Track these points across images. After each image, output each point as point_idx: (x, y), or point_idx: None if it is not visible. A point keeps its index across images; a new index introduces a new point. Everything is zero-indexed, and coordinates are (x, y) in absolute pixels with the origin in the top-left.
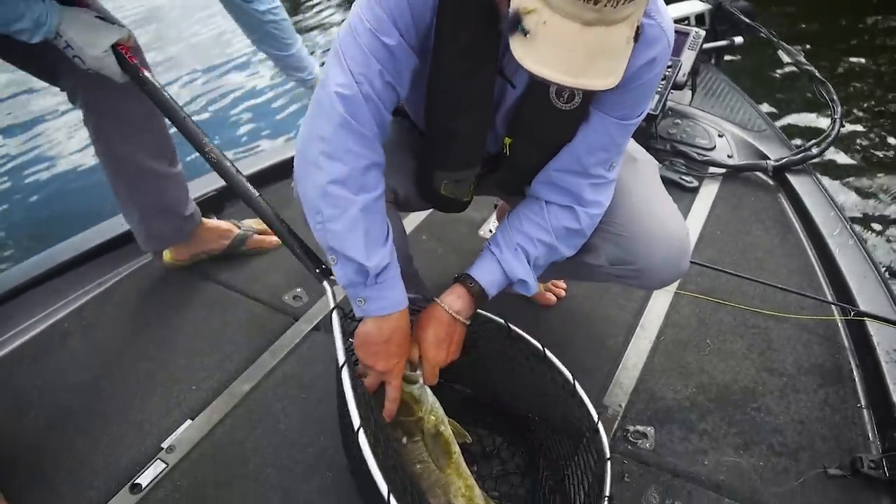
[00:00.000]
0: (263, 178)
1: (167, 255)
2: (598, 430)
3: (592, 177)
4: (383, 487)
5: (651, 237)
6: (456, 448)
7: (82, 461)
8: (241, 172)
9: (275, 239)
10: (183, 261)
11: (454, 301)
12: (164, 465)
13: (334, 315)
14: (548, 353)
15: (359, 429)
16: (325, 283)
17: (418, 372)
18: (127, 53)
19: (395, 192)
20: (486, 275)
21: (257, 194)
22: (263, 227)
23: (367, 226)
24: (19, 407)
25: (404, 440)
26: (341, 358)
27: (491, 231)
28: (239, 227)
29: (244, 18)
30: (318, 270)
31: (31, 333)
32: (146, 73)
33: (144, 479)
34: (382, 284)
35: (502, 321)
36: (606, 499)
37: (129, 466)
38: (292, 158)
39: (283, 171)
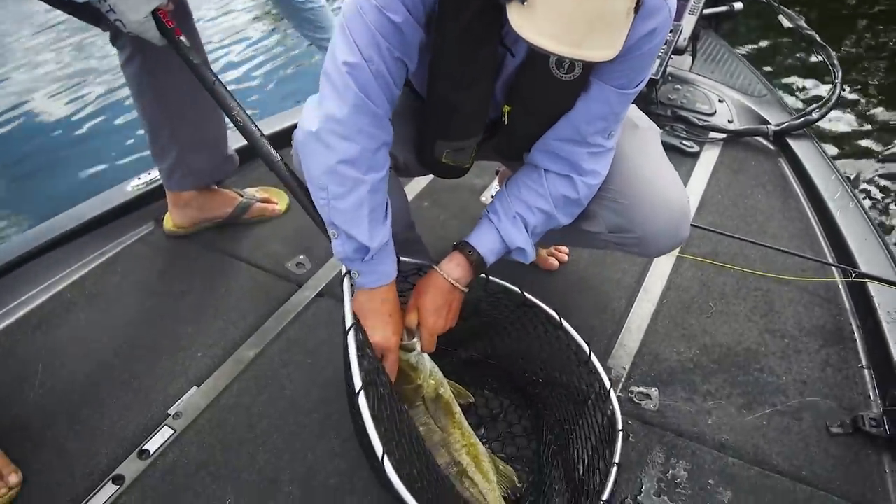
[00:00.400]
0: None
1: (168, 221)
2: (609, 397)
3: (591, 146)
4: (378, 448)
5: (650, 205)
6: (457, 408)
7: (90, 428)
8: (266, 137)
9: (277, 207)
10: (185, 228)
11: (453, 269)
12: (171, 432)
13: (345, 281)
14: (564, 323)
15: (359, 391)
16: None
17: (415, 340)
18: (165, 17)
19: (395, 157)
20: (485, 243)
21: (279, 159)
22: (266, 195)
23: (372, 206)
24: (25, 376)
25: (406, 406)
26: (349, 321)
27: (492, 197)
28: (241, 196)
29: (283, 4)
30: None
31: (35, 304)
32: (182, 38)
33: (152, 445)
34: (378, 259)
35: (517, 289)
36: (615, 465)
37: (137, 433)
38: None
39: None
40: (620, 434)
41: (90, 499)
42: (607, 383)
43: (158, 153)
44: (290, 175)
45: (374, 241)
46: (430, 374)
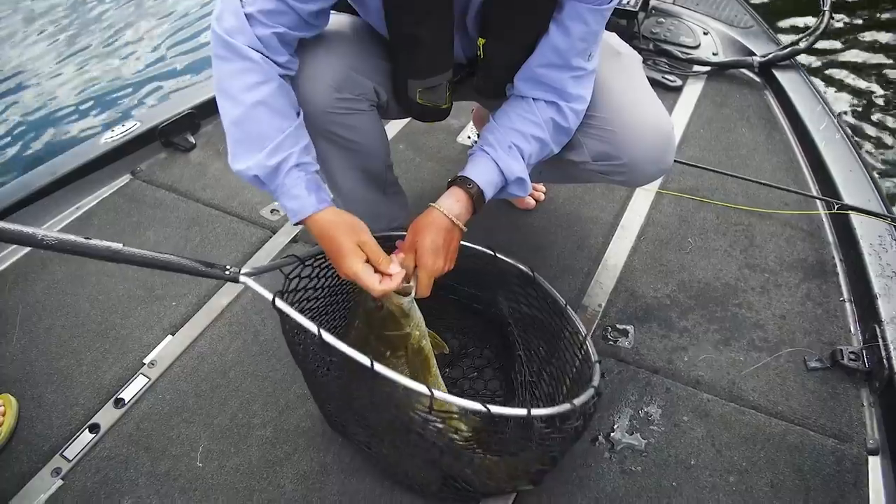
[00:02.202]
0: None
1: None
2: (584, 344)
3: (573, 69)
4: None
5: (635, 130)
6: (434, 361)
7: (67, 379)
8: (90, 238)
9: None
10: None
11: (453, 205)
12: (146, 380)
13: (277, 301)
14: (498, 255)
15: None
16: (243, 278)
17: (412, 283)
18: None
19: (377, 94)
20: (483, 175)
21: (121, 247)
22: None
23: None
24: (2, 331)
25: (388, 354)
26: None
27: (469, 137)
28: None
29: None
30: (227, 273)
31: (11, 260)
32: None
33: (127, 393)
34: (282, 188)
35: (489, 250)
36: (598, 363)
37: (113, 382)
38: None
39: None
40: (598, 365)
41: (67, 447)
42: (583, 331)
43: None
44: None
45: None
46: (417, 324)
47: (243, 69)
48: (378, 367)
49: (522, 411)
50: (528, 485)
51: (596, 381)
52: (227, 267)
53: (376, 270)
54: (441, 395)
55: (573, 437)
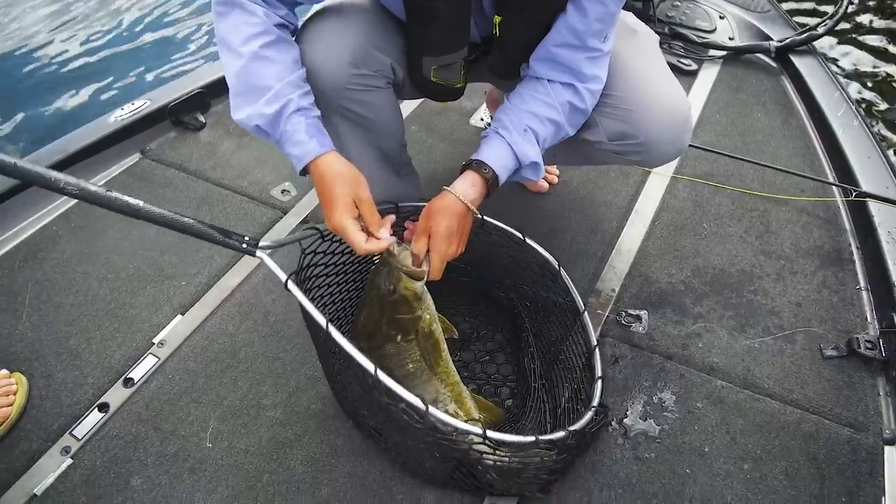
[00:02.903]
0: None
1: None
2: (581, 315)
3: (589, 49)
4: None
5: (653, 110)
6: (445, 346)
7: (77, 358)
8: (111, 190)
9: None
10: None
11: (468, 189)
12: (155, 360)
13: (290, 284)
14: (527, 240)
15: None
16: (260, 253)
17: (424, 267)
18: None
19: (394, 71)
20: (499, 159)
21: (141, 204)
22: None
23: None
24: (12, 309)
25: (399, 338)
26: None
27: (482, 119)
28: None
29: None
30: (244, 245)
31: (21, 238)
32: None
33: (137, 373)
34: (284, 135)
35: (518, 233)
36: (600, 379)
37: (122, 362)
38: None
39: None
40: (597, 350)
41: (76, 426)
42: (593, 341)
43: None
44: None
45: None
46: (427, 308)
47: (243, 21)
48: (381, 374)
49: (527, 439)
50: (538, 492)
51: (596, 400)
52: (245, 237)
53: (366, 232)
54: (436, 413)
55: (576, 456)
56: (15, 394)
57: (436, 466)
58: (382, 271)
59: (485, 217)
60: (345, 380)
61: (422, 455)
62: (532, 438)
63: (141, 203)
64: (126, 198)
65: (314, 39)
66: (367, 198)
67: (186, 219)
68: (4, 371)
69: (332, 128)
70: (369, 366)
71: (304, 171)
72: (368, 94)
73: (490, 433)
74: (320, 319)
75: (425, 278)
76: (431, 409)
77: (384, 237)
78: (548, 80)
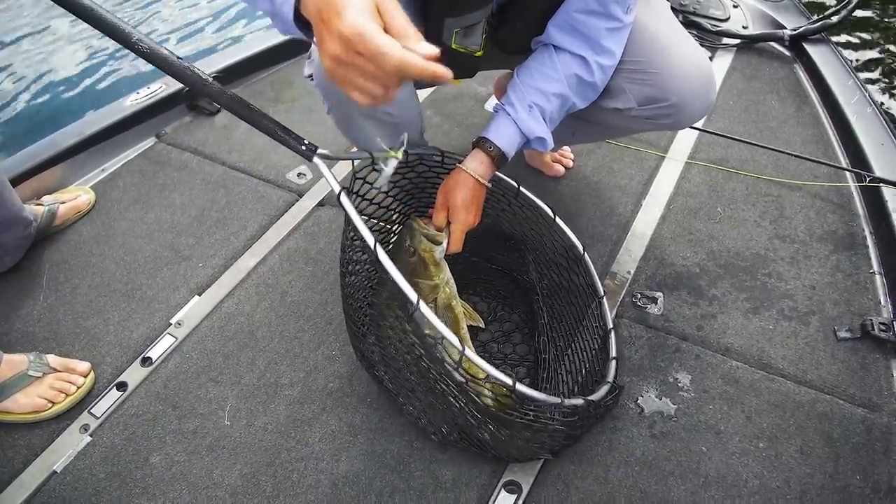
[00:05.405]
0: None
1: None
2: (602, 302)
3: (611, 18)
4: (412, 296)
5: (680, 69)
6: (465, 324)
7: (94, 338)
8: (183, 59)
9: (86, 197)
10: None
11: (477, 166)
12: (173, 340)
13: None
14: (558, 219)
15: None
16: (317, 160)
17: (444, 239)
18: None
19: None
20: (504, 137)
21: (210, 79)
22: (68, 195)
23: None
24: (30, 290)
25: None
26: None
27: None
28: (42, 205)
29: None
30: (303, 147)
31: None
32: None
33: (154, 352)
34: None
35: (514, 182)
36: (614, 360)
37: (140, 341)
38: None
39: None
40: (613, 334)
41: (95, 404)
42: (609, 324)
43: None
44: (231, 94)
45: None
46: (447, 283)
47: None
48: (423, 306)
49: (553, 399)
50: (547, 455)
51: (611, 376)
52: (306, 141)
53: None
54: (472, 355)
55: (590, 424)
56: (85, 377)
57: (449, 429)
58: (405, 234)
59: (521, 188)
60: (377, 313)
61: (435, 415)
62: (557, 399)
63: (211, 79)
64: (201, 72)
65: None
66: (395, 6)
67: (255, 109)
68: (86, 365)
69: (359, 130)
70: (412, 295)
71: (299, 19)
72: None
73: (519, 386)
74: (368, 238)
75: (444, 243)
76: (468, 352)
77: (423, 48)
78: (557, 48)
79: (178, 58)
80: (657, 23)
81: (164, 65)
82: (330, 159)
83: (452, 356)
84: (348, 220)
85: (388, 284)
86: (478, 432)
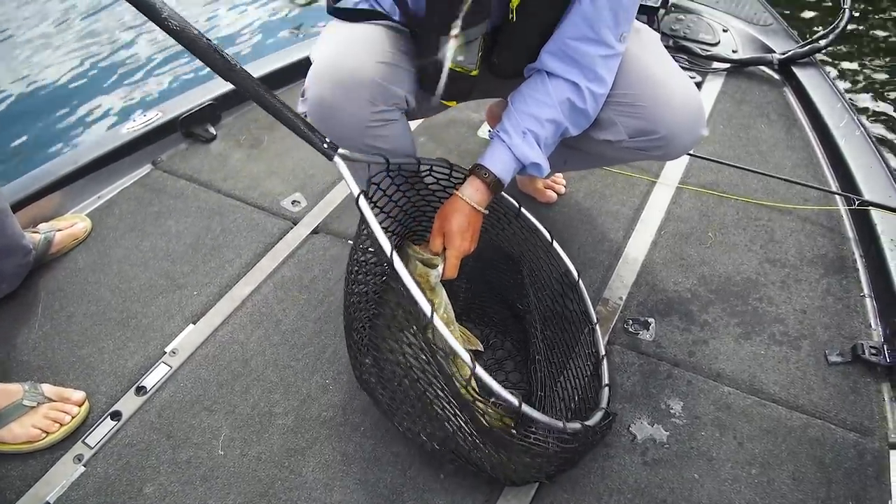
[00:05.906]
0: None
1: None
2: (595, 329)
3: (605, 45)
4: (426, 307)
5: (670, 103)
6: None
7: (89, 367)
8: (211, 40)
9: (82, 224)
10: None
11: (473, 193)
12: (167, 368)
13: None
14: (555, 243)
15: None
16: (337, 159)
17: (439, 263)
18: None
19: (406, 101)
20: (499, 164)
21: (238, 65)
22: (65, 223)
23: None
24: (25, 317)
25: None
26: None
27: (489, 132)
28: (38, 232)
29: None
30: (325, 145)
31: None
32: None
33: (149, 381)
34: None
35: (548, 234)
36: (606, 386)
37: (134, 370)
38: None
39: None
40: (605, 361)
41: (89, 434)
42: (601, 352)
43: None
44: (258, 84)
45: None
46: (444, 307)
47: None
48: (436, 319)
49: (558, 423)
50: (543, 478)
51: (604, 403)
52: (327, 140)
53: None
54: (482, 373)
55: (582, 452)
56: (66, 423)
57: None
58: (400, 258)
59: (522, 208)
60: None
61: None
62: (560, 423)
63: (234, 62)
64: (225, 56)
65: (332, 82)
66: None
67: (280, 101)
68: (80, 395)
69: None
70: (426, 306)
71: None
72: (386, 127)
73: (525, 407)
74: (385, 244)
75: (440, 268)
76: (478, 370)
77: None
78: (550, 74)
79: (208, 39)
80: (647, 55)
81: (192, 45)
82: (349, 160)
83: (462, 373)
84: (362, 224)
85: (399, 294)
86: (476, 453)
